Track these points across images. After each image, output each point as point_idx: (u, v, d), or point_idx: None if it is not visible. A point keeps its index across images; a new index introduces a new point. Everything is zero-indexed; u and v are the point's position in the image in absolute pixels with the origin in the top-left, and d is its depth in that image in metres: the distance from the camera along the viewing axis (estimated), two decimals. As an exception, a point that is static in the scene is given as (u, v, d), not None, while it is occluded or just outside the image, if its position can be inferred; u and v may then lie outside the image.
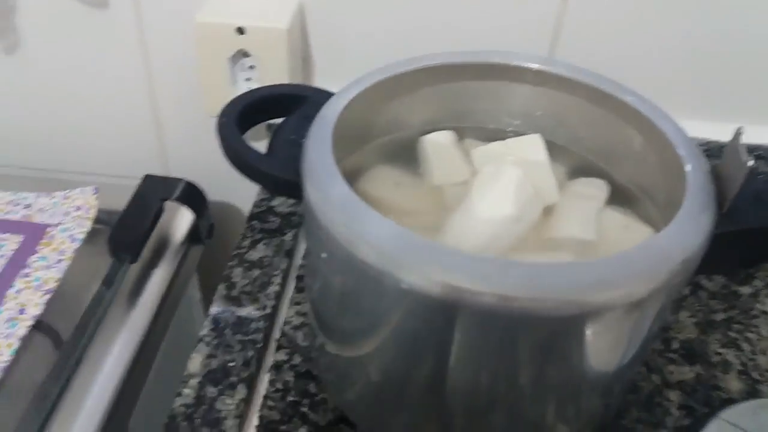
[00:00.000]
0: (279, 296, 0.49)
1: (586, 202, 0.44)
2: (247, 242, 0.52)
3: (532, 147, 0.46)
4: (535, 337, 0.33)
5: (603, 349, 0.34)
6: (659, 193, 0.42)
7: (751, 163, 0.32)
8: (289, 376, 0.44)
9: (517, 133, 0.47)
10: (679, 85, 0.56)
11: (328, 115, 0.38)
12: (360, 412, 0.42)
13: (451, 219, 0.42)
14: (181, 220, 0.55)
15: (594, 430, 0.41)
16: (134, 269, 0.51)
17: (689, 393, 0.46)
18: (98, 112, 0.61)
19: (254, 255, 0.51)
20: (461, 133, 0.48)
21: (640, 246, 0.32)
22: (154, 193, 0.53)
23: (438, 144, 0.47)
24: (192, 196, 0.55)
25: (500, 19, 0.53)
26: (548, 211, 0.43)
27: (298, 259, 0.53)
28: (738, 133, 0.34)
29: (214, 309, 0.46)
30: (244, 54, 0.51)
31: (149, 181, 0.54)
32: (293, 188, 0.36)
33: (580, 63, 0.49)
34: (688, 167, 0.36)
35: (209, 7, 0.50)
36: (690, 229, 0.33)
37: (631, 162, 0.44)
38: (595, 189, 0.45)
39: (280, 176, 0.36)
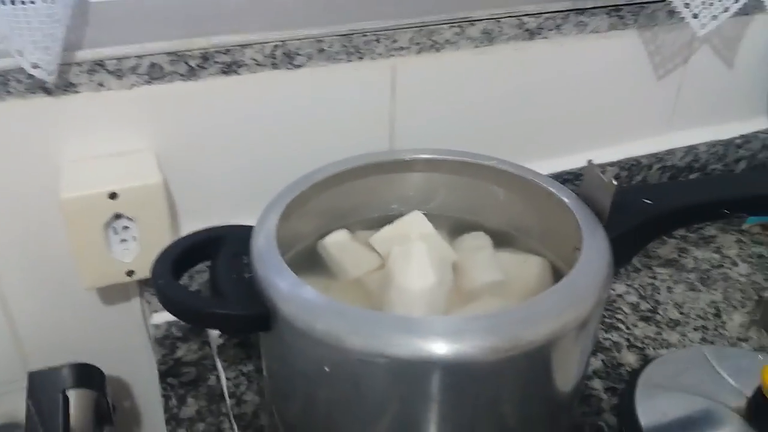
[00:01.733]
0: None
1: (480, 252, 0.51)
2: (173, 401, 0.49)
3: (416, 222, 0.52)
4: (520, 369, 0.37)
5: (570, 362, 0.40)
6: (532, 227, 0.51)
7: (615, 183, 0.41)
8: None
9: (398, 215, 0.52)
10: (498, 138, 0.67)
11: (264, 245, 0.40)
12: None
13: (387, 300, 0.46)
14: (82, 408, 0.49)
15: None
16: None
17: (605, 377, 0.55)
18: None
19: (188, 411, 0.49)
20: (351, 228, 0.52)
21: (568, 279, 0.39)
22: (49, 385, 0.47)
23: (337, 243, 0.52)
24: (90, 377, 0.50)
25: (342, 126, 0.59)
26: (455, 268, 0.49)
27: (233, 398, 0.51)
28: (591, 163, 0.44)
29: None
30: (116, 216, 0.49)
31: (35, 377, 0.48)
32: (256, 322, 0.37)
33: (419, 145, 0.57)
34: (566, 200, 0.44)
35: (68, 182, 0.48)
36: (598, 250, 0.40)
37: (499, 211, 0.53)
38: (480, 240, 0.53)
39: (245, 314, 0.37)
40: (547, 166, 0.67)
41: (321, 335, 0.35)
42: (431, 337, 0.35)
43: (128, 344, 0.60)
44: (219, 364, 0.54)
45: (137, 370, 0.62)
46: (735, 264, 0.70)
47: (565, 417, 0.44)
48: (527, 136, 0.69)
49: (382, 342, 0.34)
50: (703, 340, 0.60)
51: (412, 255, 0.48)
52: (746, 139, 0.79)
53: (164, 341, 0.55)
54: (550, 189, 0.46)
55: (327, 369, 0.36)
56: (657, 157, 0.74)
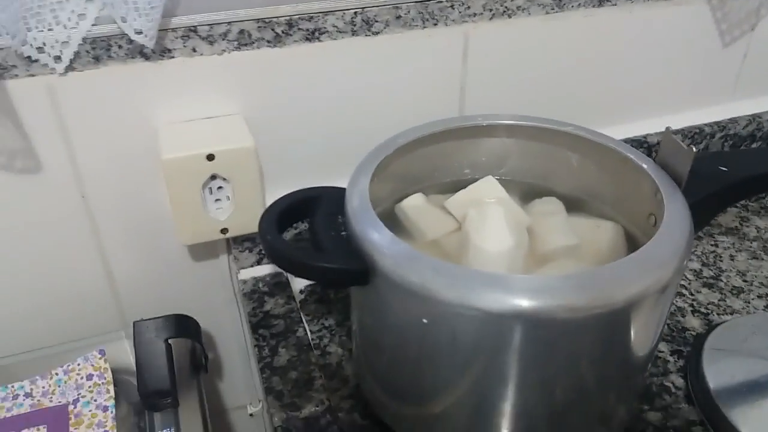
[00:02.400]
0: (325, 388, 0.50)
1: (553, 216, 0.53)
2: (266, 351, 0.53)
3: (490, 187, 0.54)
4: (600, 329, 0.39)
5: (648, 325, 0.41)
6: (606, 193, 0.53)
7: (694, 149, 0.42)
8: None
9: (472, 180, 0.54)
10: (563, 105, 0.69)
11: (359, 204, 0.42)
12: None
13: (465, 261, 0.48)
14: (182, 356, 0.53)
15: (638, 399, 0.49)
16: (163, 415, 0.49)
17: (670, 341, 0.57)
18: (42, 281, 0.58)
19: (281, 360, 0.52)
20: (425, 192, 0.55)
21: (652, 242, 0.40)
22: (154, 335, 0.51)
23: (415, 206, 0.54)
24: (188, 327, 0.54)
25: (415, 92, 0.61)
26: (529, 232, 0.51)
27: (318, 350, 0.55)
28: (668, 130, 0.45)
29: (276, 421, 0.47)
30: (212, 177, 0.52)
31: (140, 327, 0.52)
32: (356, 276, 0.40)
33: (487, 111, 0.59)
34: (644, 165, 0.46)
35: (167, 143, 0.51)
36: (679, 216, 0.42)
37: (571, 176, 0.54)
38: (553, 205, 0.54)
39: (346, 268, 0.40)
40: (610, 132, 0.68)
41: (418, 288, 0.37)
42: (521, 292, 0.36)
43: (215, 299, 0.64)
44: (302, 316, 0.57)
45: (222, 324, 0.66)
46: (798, 234, 0.71)
47: (639, 378, 0.46)
48: (593, 103, 0.70)
49: (476, 296, 0.37)
50: (767, 307, 0.61)
51: (489, 217, 0.50)
52: (812, 108, 0.78)
53: (252, 295, 0.58)
54: (628, 155, 0.48)
55: (425, 321, 0.38)
56: (720, 125, 0.74)
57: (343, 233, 0.42)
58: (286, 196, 0.45)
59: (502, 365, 0.39)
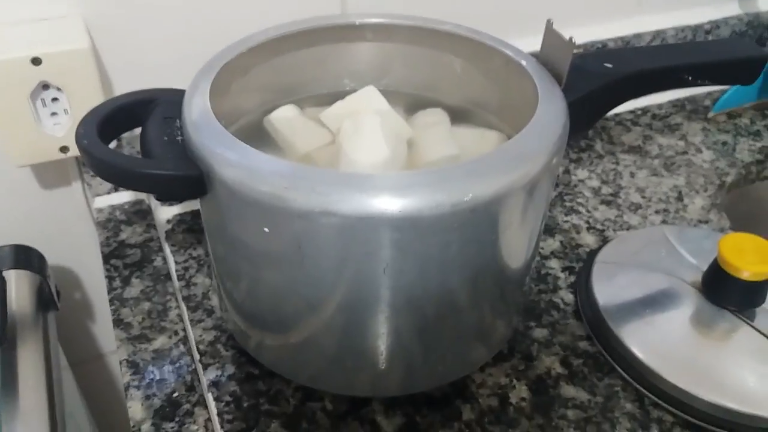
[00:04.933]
0: (181, 319, 0.45)
1: (436, 128, 0.49)
2: (117, 282, 0.47)
3: (370, 98, 0.49)
4: (467, 226, 0.35)
5: (519, 227, 0.38)
6: (490, 101, 0.49)
7: (574, 39, 0.38)
8: (232, 386, 0.42)
9: (351, 91, 0.49)
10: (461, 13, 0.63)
11: (197, 104, 0.37)
12: (325, 374, 0.42)
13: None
14: (22, 290, 0.47)
15: (518, 314, 0.46)
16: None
17: (562, 257, 0.54)
18: None
19: (133, 291, 0.47)
20: (300, 105, 0.49)
21: (520, 135, 0.37)
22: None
23: (286, 118, 0.49)
24: (29, 258, 0.48)
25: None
26: (410, 145, 0.47)
27: (176, 281, 0.50)
28: (550, 23, 0.41)
29: (123, 354, 0.42)
30: (43, 86, 0.45)
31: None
32: (190, 183, 0.35)
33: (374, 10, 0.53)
34: (523, 62, 0.42)
35: (-14, 45, 0.43)
36: (554, 110, 0.38)
37: (456, 85, 0.50)
38: (437, 116, 0.50)
39: (173, 174, 0.34)
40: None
41: (257, 193, 0.33)
42: (373, 191, 0.32)
43: (73, 232, 0.58)
44: (166, 247, 0.52)
45: (84, 259, 0.60)
46: (699, 151, 0.69)
47: (516, 292, 0.43)
48: (495, 14, 0.65)
49: (322, 197, 0.32)
50: (664, 222, 0.59)
51: (364, 128, 0.45)
52: (715, 24, 0.76)
53: (107, 224, 0.52)
54: (507, 53, 0.43)
55: (266, 230, 0.34)
56: (624, 40, 0.71)
57: (179, 138, 0.37)
58: (112, 99, 0.38)
59: (367, 278, 0.35)
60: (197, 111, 0.36)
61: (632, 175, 0.65)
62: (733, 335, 0.45)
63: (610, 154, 0.67)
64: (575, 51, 0.40)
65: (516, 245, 0.39)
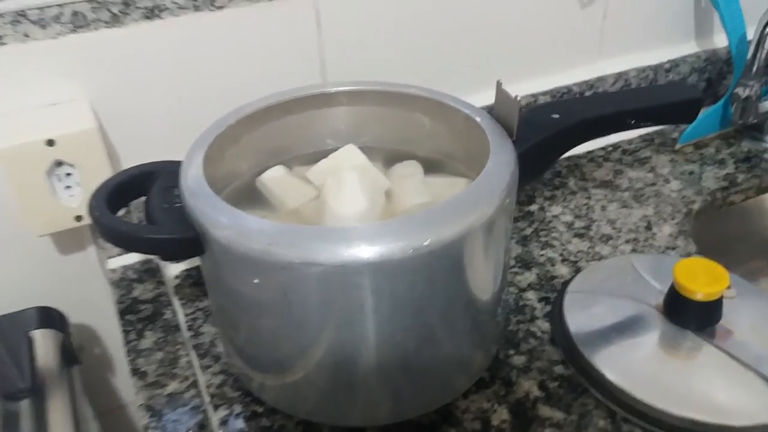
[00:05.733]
0: (191, 365, 0.50)
1: (410, 179, 0.54)
2: (132, 335, 0.52)
3: (351, 155, 0.55)
4: (433, 267, 0.40)
5: (483, 263, 0.43)
6: (457, 152, 0.54)
7: (521, 99, 0.44)
8: (240, 423, 0.46)
9: (334, 149, 0.55)
10: (431, 70, 0.69)
11: (193, 173, 0.42)
12: (321, 408, 0.46)
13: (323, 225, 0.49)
14: (47, 348, 0.52)
15: (495, 342, 0.50)
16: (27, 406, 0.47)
17: (538, 288, 0.58)
18: None
19: (146, 342, 0.52)
20: (288, 165, 0.55)
21: (474, 184, 0.42)
22: (13, 328, 0.50)
23: (275, 178, 0.54)
24: (51, 318, 0.52)
25: (271, 65, 0.61)
26: (387, 195, 0.52)
27: (185, 332, 0.54)
28: (500, 83, 0.46)
29: (140, 399, 0.46)
30: (57, 164, 0.51)
31: (1, 322, 0.51)
32: (188, 244, 0.40)
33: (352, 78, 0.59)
34: (478, 119, 0.47)
35: (4, 133, 0.49)
36: (504, 159, 0.43)
37: (427, 139, 0.55)
38: (412, 167, 0.55)
39: (173, 237, 0.40)
40: (480, 99, 0.69)
41: (246, 249, 0.37)
42: (345, 242, 0.37)
43: (89, 291, 0.63)
44: (175, 301, 0.57)
45: (101, 316, 0.65)
46: (667, 181, 0.74)
47: (490, 323, 0.47)
48: (456, 70, 0.71)
49: (301, 250, 0.37)
50: (634, 251, 0.63)
51: (344, 182, 0.50)
52: (674, 63, 0.82)
53: (120, 283, 0.58)
54: (465, 111, 0.49)
55: (256, 281, 0.39)
56: (588, 84, 0.77)
57: (177, 205, 0.42)
58: (118, 173, 0.44)
59: (349, 319, 0.40)
60: (192, 179, 0.42)
61: (603, 208, 0.69)
62: (694, 353, 0.49)
63: (582, 189, 0.72)
64: (527, 103, 0.45)
65: (481, 279, 0.43)
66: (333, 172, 0.53)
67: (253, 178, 0.54)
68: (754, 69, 0.73)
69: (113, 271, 0.59)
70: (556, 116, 0.47)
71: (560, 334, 0.53)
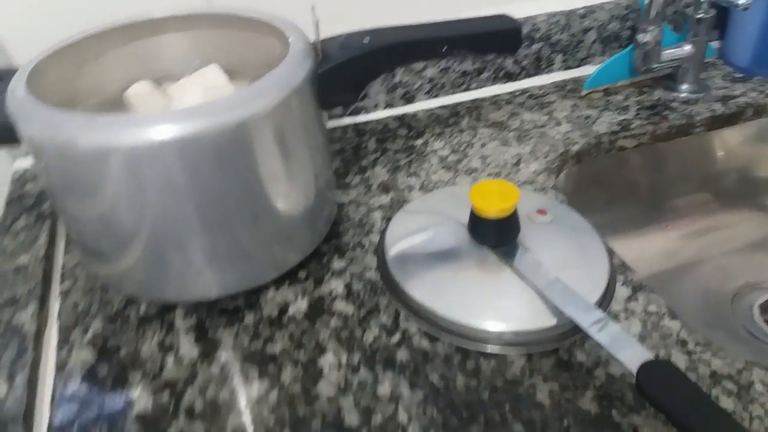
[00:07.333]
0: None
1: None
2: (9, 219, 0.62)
3: (212, 74, 0.60)
4: (226, 152, 0.45)
5: (276, 161, 0.48)
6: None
7: (318, 19, 0.48)
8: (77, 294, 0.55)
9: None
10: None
11: (19, 76, 0.49)
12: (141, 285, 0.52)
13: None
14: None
15: (312, 244, 0.56)
16: None
17: (388, 210, 0.63)
18: None
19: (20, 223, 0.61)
20: (158, 82, 0.61)
21: (263, 78, 0.47)
22: None
23: (138, 93, 0.60)
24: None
25: None
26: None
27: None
28: (313, 7, 0.51)
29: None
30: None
31: None
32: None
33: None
34: (291, 38, 0.52)
35: None
36: (294, 64, 0.48)
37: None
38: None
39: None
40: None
41: (50, 138, 0.45)
42: (144, 126, 0.43)
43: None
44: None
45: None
46: (559, 124, 0.76)
47: (299, 227, 0.53)
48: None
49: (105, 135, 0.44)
50: (492, 183, 0.67)
51: (188, 92, 0.57)
52: (590, 9, 0.82)
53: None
54: (286, 33, 0.54)
55: (69, 171, 0.45)
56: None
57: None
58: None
59: (159, 199, 0.46)
60: (17, 81, 0.49)
61: (483, 145, 0.72)
62: (485, 266, 0.53)
63: (471, 129, 0.75)
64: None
65: (276, 176, 0.49)
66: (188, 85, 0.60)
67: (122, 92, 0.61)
68: (653, 14, 0.73)
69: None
70: (366, 40, 0.52)
71: (379, 243, 0.58)
